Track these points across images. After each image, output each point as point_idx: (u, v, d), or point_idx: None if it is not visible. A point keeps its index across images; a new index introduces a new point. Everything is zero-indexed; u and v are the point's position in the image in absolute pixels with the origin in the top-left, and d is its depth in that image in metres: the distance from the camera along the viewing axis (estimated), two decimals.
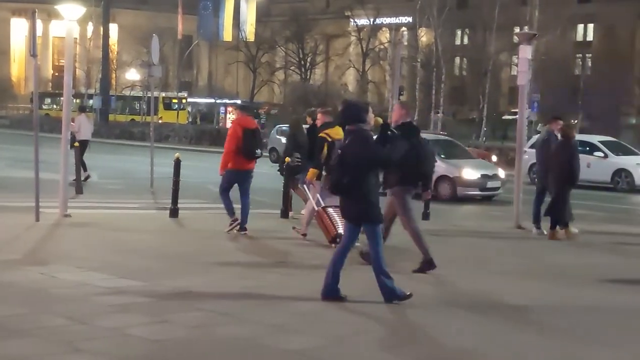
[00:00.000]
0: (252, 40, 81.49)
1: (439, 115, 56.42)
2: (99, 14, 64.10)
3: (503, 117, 63.69)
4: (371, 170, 9.10)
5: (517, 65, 20.41)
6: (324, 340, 7.58)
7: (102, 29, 62.80)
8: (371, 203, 9.05)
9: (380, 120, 9.57)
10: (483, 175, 23.83)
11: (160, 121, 55.47)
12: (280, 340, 7.52)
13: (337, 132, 12.60)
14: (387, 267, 9.10)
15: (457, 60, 76.44)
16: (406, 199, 11.14)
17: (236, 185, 14.08)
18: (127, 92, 77.59)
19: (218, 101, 73.93)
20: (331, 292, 9.07)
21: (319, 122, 14.09)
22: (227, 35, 79.14)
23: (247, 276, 10.49)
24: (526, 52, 17.54)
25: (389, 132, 9.55)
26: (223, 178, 13.95)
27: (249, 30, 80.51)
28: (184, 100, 73.21)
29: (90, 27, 77.69)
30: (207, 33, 78.72)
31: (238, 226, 13.92)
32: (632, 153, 30.94)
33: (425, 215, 17.25)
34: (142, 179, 24.07)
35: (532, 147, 22.06)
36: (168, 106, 67.91)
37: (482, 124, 53.81)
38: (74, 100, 44.05)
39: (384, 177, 10.83)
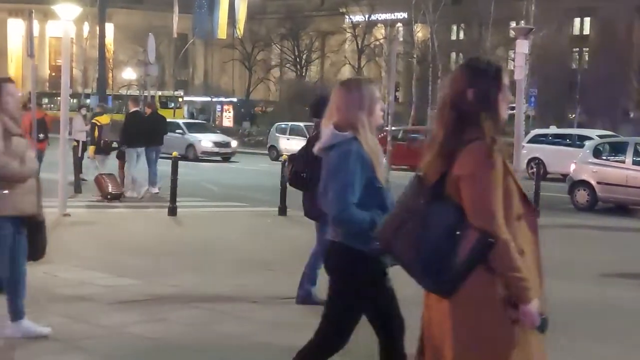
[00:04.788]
0: (242, 37, 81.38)
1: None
2: (95, 14, 64.01)
3: None
4: None
5: (513, 59, 20.42)
6: None
7: (98, 28, 62.75)
8: None
9: None
10: None
11: None
12: (277, 337, 7.53)
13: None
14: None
15: (453, 55, 76.45)
16: None
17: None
18: (124, 92, 77.52)
19: (214, 99, 73.94)
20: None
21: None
22: (222, 33, 78.96)
23: (243, 275, 10.50)
24: (523, 46, 17.52)
25: None
26: None
27: (240, 27, 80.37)
28: (180, 99, 73.19)
29: (86, 27, 77.63)
30: (202, 31, 78.50)
31: None
32: None
33: None
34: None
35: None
36: (165, 105, 67.82)
37: None
38: (71, 100, 43.95)
39: None
